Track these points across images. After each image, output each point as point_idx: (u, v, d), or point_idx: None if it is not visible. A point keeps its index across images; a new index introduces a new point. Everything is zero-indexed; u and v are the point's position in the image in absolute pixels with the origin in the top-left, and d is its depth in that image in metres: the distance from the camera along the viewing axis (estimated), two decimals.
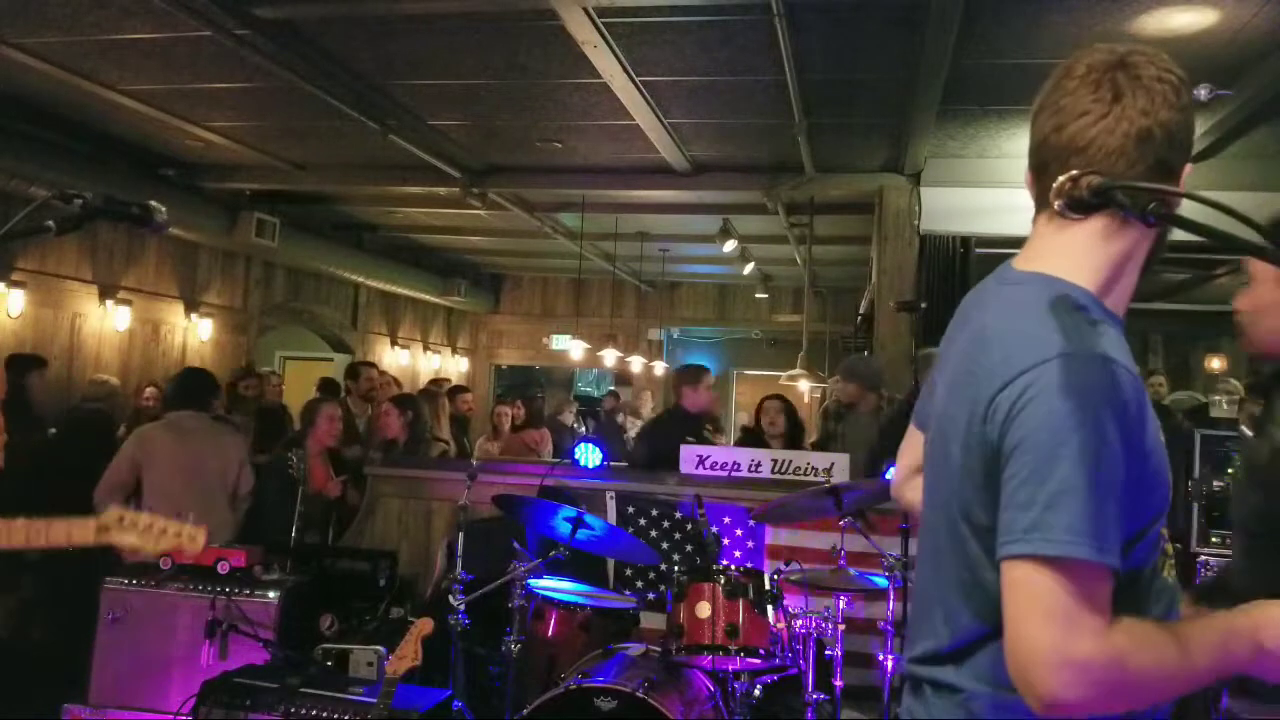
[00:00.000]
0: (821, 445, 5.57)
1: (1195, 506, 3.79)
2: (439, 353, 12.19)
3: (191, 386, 4.76)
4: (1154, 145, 1.18)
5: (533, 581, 3.56)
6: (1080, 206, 1.13)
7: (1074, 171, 1.13)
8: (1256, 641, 1.13)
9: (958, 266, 5.75)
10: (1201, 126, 4.59)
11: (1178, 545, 1.63)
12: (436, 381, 8.66)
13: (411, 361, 11.34)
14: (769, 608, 3.24)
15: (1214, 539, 3.76)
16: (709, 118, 5.32)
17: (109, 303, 6.94)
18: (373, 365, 7.57)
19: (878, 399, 5.18)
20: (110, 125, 5.95)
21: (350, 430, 5.82)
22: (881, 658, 3.46)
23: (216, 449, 4.52)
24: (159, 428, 4.57)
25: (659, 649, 3.35)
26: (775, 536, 4.54)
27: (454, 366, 12.53)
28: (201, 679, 3.35)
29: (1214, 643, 1.13)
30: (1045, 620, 1.05)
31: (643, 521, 4.75)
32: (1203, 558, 3.76)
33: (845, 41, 4.14)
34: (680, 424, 5.31)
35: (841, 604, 3.46)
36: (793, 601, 3.51)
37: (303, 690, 3.20)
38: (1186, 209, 1.13)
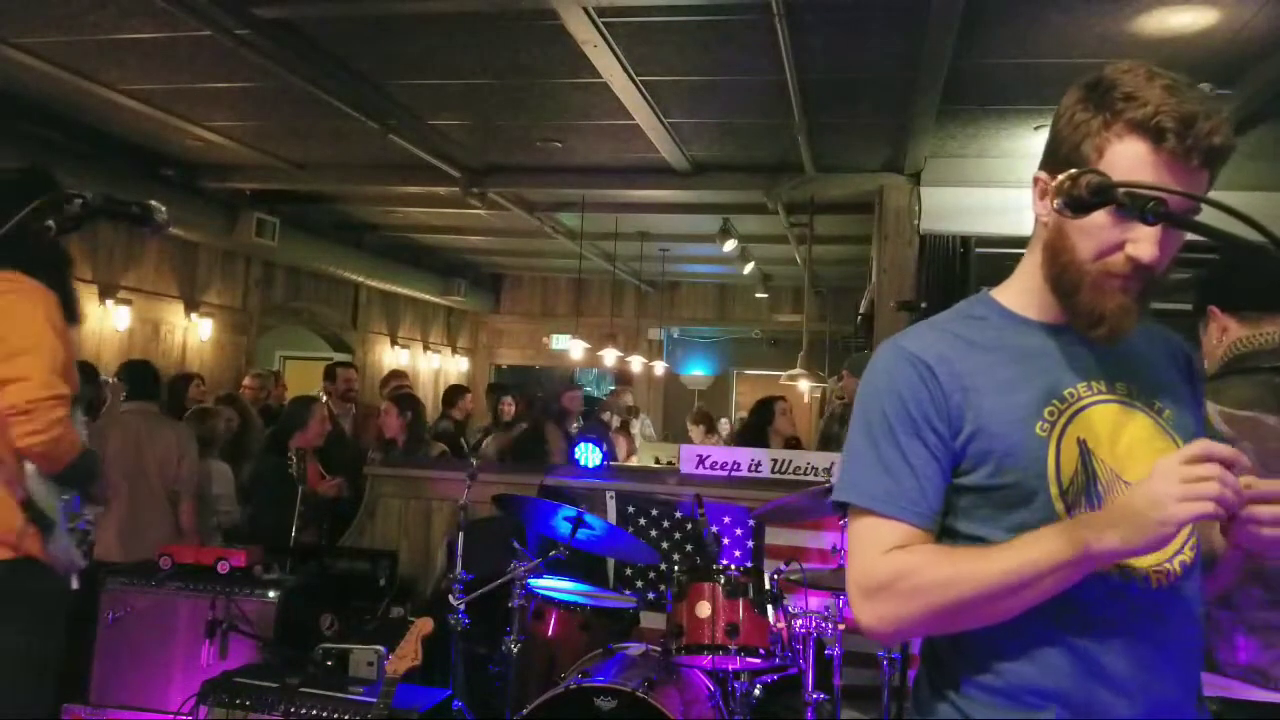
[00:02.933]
0: (822, 449, 5.57)
1: None
2: (439, 352, 12.20)
3: (141, 377, 4.72)
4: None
5: (533, 581, 3.56)
6: (1079, 206, 1.13)
7: (1073, 170, 1.14)
8: (1083, 542, 1.12)
9: (958, 266, 5.74)
10: None
11: None
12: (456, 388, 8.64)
13: (411, 361, 11.34)
14: (769, 608, 3.24)
15: None
16: (709, 118, 5.32)
17: (109, 302, 6.94)
18: (351, 365, 7.56)
19: None
20: (110, 125, 5.95)
21: (334, 430, 5.82)
22: (881, 657, 3.46)
23: (157, 442, 4.44)
24: (108, 420, 4.64)
25: (659, 649, 3.34)
26: (775, 536, 4.54)
27: (454, 366, 12.54)
28: (201, 679, 3.35)
29: (1028, 542, 1.16)
30: (849, 556, 1.30)
31: (643, 521, 4.75)
32: None
33: (845, 41, 4.14)
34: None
35: (841, 604, 3.45)
36: (793, 601, 3.51)
37: (303, 690, 3.20)
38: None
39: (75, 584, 2.54)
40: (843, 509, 1.31)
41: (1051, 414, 1.25)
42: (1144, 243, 1.17)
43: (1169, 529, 1.08)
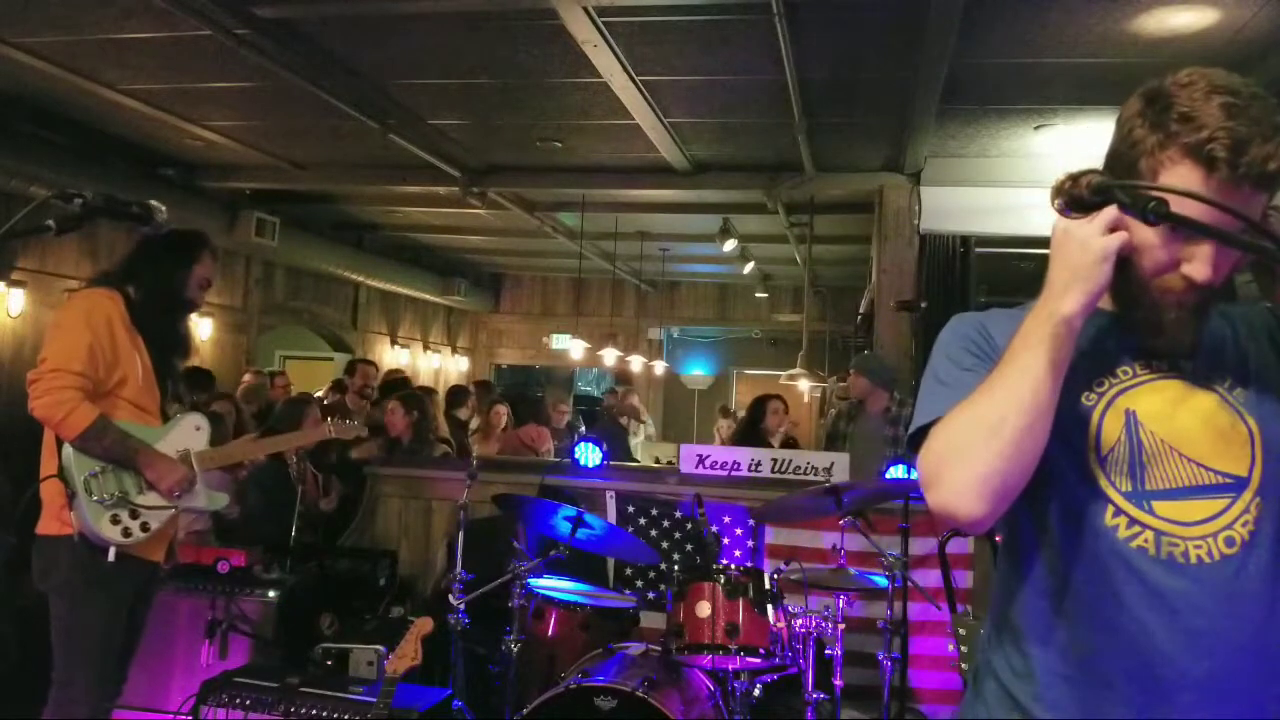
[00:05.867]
0: (828, 445, 5.56)
1: None
2: (439, 352, 12.20)
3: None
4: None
5: (533, 581, 3.56)
6: (1080, 205, 1.14)
7: (1074, 170, 1.14)
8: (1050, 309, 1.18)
9: (958, 266, 5.75)
10: None
11: None
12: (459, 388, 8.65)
13: (411, 361, 11.34)
14: (769, 607, 3.24)
15: None
16: (709, 117, 5.32)
17: None
18: (371, 363, 7.55)
19: (888, 399, 5.17)
20: (110, 125, 5.95)
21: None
22: (881, 658, 3.46)
23: None
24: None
25: (659, 648, 3.35)
26: (775, 536, 4.54)
27: (454, 366, 12.54)
28: (201, 678, 3.35)
29: (1022, 338, 1.19)
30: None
31: (643, 521, 4.75)
32: None
33: (845, 41, 4.14)
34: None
35: (841, 603, 3.45)
36: (793, 601, 3.51)
37: (303, 690, 3.20)
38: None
39: (111, 556, 2.76)
40: (914, 448, 1.29)
41: (1100, 385, 1.27)
42: (1198, 262, 1.18)
43: (1107, 260, 1.15)
